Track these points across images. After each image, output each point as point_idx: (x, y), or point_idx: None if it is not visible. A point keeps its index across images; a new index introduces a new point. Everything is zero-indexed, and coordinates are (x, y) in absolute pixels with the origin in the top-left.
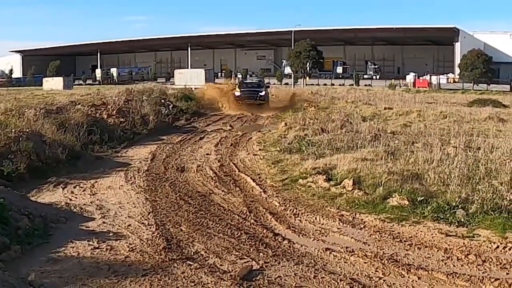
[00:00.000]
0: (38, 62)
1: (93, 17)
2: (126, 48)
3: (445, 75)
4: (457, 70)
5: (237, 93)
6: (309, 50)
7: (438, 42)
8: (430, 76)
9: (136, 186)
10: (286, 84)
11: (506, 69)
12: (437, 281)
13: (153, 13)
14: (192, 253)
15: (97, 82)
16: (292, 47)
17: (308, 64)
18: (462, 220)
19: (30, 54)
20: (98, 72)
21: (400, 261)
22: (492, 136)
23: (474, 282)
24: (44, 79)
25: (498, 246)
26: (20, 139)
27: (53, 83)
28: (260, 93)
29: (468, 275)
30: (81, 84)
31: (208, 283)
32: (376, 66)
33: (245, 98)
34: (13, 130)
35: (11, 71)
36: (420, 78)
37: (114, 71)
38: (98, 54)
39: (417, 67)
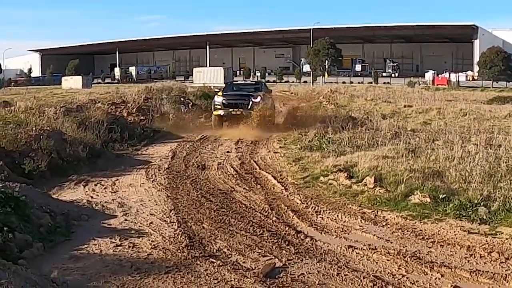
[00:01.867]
0: (56, 61)
1: (110, 17)
2: (144, 46)
3: (464, 72)
4: (476, 68)
5: (218, 99)
6: (328, 48)
7: (457, 39)
8: (449, 73)
9: (157, 183)
10: (305, 82)
11: None
12: (460, 278)
13: (170, 12)
14: (214, 251)
15: (116, 81)
16: (311, 45)
17: (327, 62)
18: (484, 217)
19: (48, 53)
20: (117, 70)
21: (423, 258)
22: None
23: (498, 280)
24: (63, 78)
25: None
26: (41, 137)
27: (72, 82)
28: (253, 99)
29: (492, 272)
30: (99, 83)
31: (231, 280)
32: (395, 64)
33: (229, 107)
34: (34, 128)
35: (30, 70)
36: (439, 75)
37: (132, 69)
38: (117, 53)
39: (435, 64)
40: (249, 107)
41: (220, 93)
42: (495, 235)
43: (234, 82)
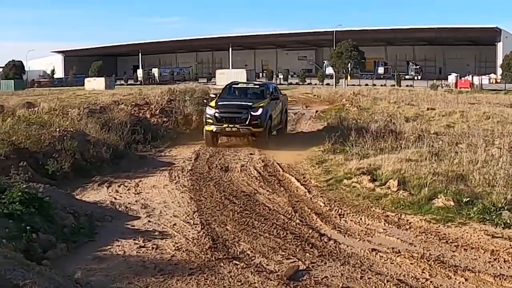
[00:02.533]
0: (79, 63)
1: (133, 19)
2: (167, 48)
3: (487, 75)
4: (499, 71)
5: (209, 111)
6: (351, 51)
7: (480, 42)
8: (472, 76)
9: (181, 185)
10: (328, 84)
11: None
12: (484, 283)
13: (192, 13)
14: (238, 253)
15: (138, 82)
16: (334, 47)
17: (349, 64)
18: (508, 221)
19: (71, 55)
20: (139, 72)
21: (446, 262)
22: None
23: None
24: (86, 79)
25: None
26: (65, 138)
27: (95, 83)
28: (253, 112)
29: None
30: (122, 84)
31: (254, 282)
32: (418, 67)
33: (222, 122)
34: (57, 129)
35: (53, 71)
36: (462, 78)
37: (155, 71)
38: (139, 54)
39: (458, 67)
40: (247, 122)
41: (213, 103)
42: None
43: (234, 85)
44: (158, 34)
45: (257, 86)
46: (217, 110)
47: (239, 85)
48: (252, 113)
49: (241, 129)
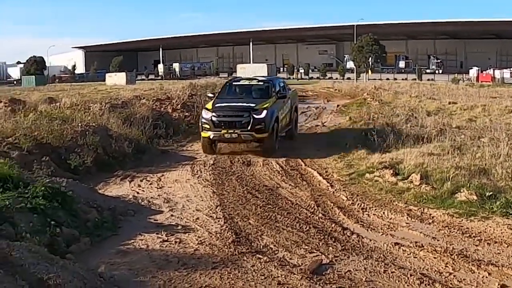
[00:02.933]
0: (100, 58)
1: (153, 14)
2: (187, 43)
3: (509, 69)
4: None
5: (205, 115)
6: (372, 45)
7: (502, 35)
8: (494, 70)
9: (203, 179)
10: (348, 78)
11: None
12: (507, 277)
13: (212, 8)
14: (261, 247)
15: (159, 77)
16: (355, 42)
17: (370, 58)
18: None
19: (92, 50)
20: (160, 67)
21: (470, 256)
22: None
23: None
24: (107, 75)
25: None
26: (87, 133)
27: (116, 79)
28: (256, 115)
29: None
30: (143, 79)
31: (278, 276)
32: (439, 61)
33: (220, 127)
34: (80, 124)
35: (74, 67)
36: (483, 72)
37: (176, 66)
38: (160, 49)
39: (480, 61)
40: (249, 127)
41: (209, 105)
42: None
43: (234, 83)
44: (179, 29)
45: (261, 83)
46: (214, 114)
47: (241, 82)
48: (254, 116)
49: (242, 135)
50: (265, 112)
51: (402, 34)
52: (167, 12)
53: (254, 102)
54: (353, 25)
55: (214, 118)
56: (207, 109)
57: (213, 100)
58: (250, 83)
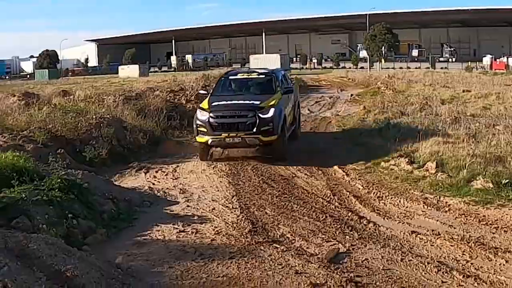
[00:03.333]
0: (112, 51)
1: (165, 6)
2: (200, 34)
3: None
4: None
5: (201, 116)
6: (385, 34)
7: None
8: (507, 58)
9: (218, 170)
10: (362, 68)
11: None
12: None
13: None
14: (278, 236)
15: (172, 69)
16: (367, 31)
17: (383, 47)
18: None
19: (104, 43)
20: (173, 59)
21: (487, 244)
22: None
23: None
24: (120, 67)
25: None
26: (101, 125)
27: (128, 71)
28: (262, 114)
29: None
30: (156, 71)
31: (295, 265)
32: (452, 49)
33: (220, 130)
34: (94, 116)
35: (86, 60)
36: (497, 60)
37: (189, 57)
38: (173, 41)
39: (493, 49)
40: (254, 129)
41: (205, 104)
42: None
43: (231, 76)
44: (191, 20)
45: (263, 76)
46: (211, 115)
47: (239, 76)
48: (261, 115)
49: (247, 139)
50: (272, 110)
51: (415, 22)
52: (179, 4)
53: (258, 99)
54: (366, 14)
55: (212, 120)
56: (202, 109)
57: (208, 98)
58: (250, 76)
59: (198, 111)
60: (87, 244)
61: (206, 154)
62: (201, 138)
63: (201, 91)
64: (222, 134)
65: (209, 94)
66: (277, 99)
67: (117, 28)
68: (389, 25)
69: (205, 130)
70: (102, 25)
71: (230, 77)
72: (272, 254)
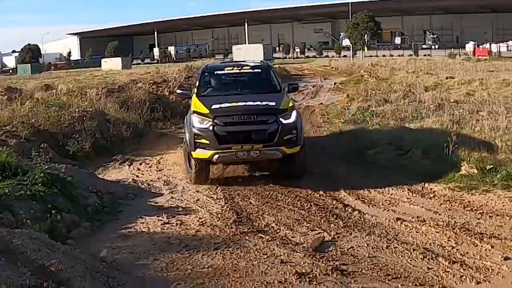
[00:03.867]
0: (95, 44)
1: None
2: (183, 26)
3: (505, 43)
4: None
5: (199, 123)
6: (367, 22)
7: (497, 9)
8: (490, 44)
9: None
10: (345, 56)
11: None
12: (510, 249)
13: None
14: (263, 226)
15: (155, 61)
16: (350, 19)
17: (366, 35)
18: None
19: (87, 36)
20: (156, 51)
21: (472, 230)
22: None
23: None
24: (103, 60)
25: None
26: (84, 118)
27: (111, 64)
28: (284, 119)
29: None
30: (139, 64)
31: (280, 255)
32: (435, 36)
33: (231, 141)
34: (77, 110)
35: (69, 53)
36: (480, 46)
37: (171, 49)
38: (155, 33)
39: (476, 35)
40: (275, 138)
41: (200, 106)
42: None
43: (218, 71)
44: (173, 11)
45: (258, 70)
46: (217, 121)
47: (227, 70)
48: (283, 121)
49: (267, 152)
50: (294, 114)
51: (397, 10)
52: None
53: (267, 99)
54: (348, 3)
55: (218, 128)
56: (199, 113)
57: (197, 99)
58: (242, 70)
59: (192, 117)
60: (72, 238)
61: (205, 175)
62: (201, 154)
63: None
64: (233, 147)
65: (195, 94)
66: (290, 99)
67: (99, 21)
68: (371, 13)
69: (208, 142)
70: (85, 19)
71: (217, 72)
72: (257, 244)
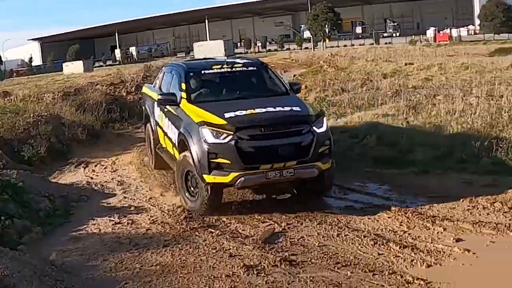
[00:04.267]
0: (57, 48)
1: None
2: (144, 26)
3: (466, 27)
4: (477, 21)
5: (213, 139)
6: (327, 12)
7: None
8: (450, 29)
9: None
10: (306, 48)
11: None
12: (463, 231)
13: None
14: (213, 220)
15: (117, 63)
16: (309, 11)
17: (326, 26)
18: (487, 169)
19: (48, 41)
20: (117, 52)
21: (424, 213)
22: None
23: (501, 230)
24: (64, 64)
25: None
26: (39, 123)
27: (73, 67)
28: (318, 128)
29: (495, 223)
30: (101, 66)
31: (229, 248)
32: (395, 24)
33: (258, 161)
34: (32, 115)
35: (30, 59)
36: (440, 32)
37: (133, 49)
38: (116, 34)
39: (436, 21)
40: (310, 153)
41: (208, 115)
42: (498, 186)
43: (205, 71)
44: (135, 12)
45: (253, 68)
46: (240, 134)
47: (215, 70)
48: (317, 130)
49: (302, 169)
50: (325, 121)
51: (357, 0)
52: None
53: (286, 103)
54: None
55: (243, 143)
56: (211, 124)
57: (189, 106)
58: (233, 69)
59: (201, 129)
60: (23, 243)
61: (219, 201)
62: (218, 177)
63: (160, 96)
64: (262, 166)
65: (185, 100)
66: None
67: (60, 26)
68: (330, 3)
69: (228, 161)
70: (45, 24)
71: (205, 72)
72: (207, 239)
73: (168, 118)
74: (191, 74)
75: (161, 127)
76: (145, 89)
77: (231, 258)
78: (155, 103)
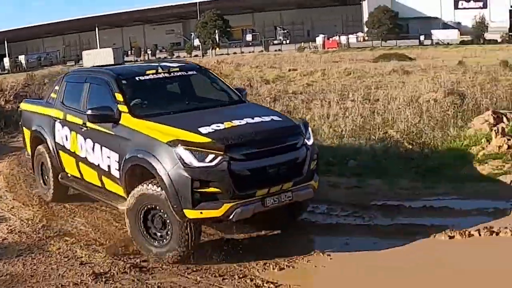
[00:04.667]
0: None
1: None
2: (33, 34)
3: (355, 34)
4: (366, 29)
5: (197, 163)
6: (215, 20)
7: (346, 2)
8: (339, 36)
9: (29, 168)
10: (196, 56)
11: (415, 24)
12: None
13: None
14: (71, 229)
15: (6, 71)
16: (199, 18)
17: (215, 34)
18: (354, 170)
19: None
20: (6, 61)
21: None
22: (394, 88)
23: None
24: None
25: None
26: None
27: None
28: (308, 140)
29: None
30: None
31: (81, 256)
32: (285, 31)
33: (257, 186)
34: None
35: None
36: (330, 39)
37: (22, 58)
38: (5, 42)
39: (326, 29)
40: (304, 170)
41: (186, 134)
42: (360, 186)
43: (136, 76)
44: (27, 20)
45: (193, 72)
46: (233, 154)
47: (151, 76)
48: (308, 142)
49: (299, 191)
50: (310, 130)
51: (248, 7)
52: (10, 4)
53: (260, 113)
54: (196, 2)
55: (237, 165)
56: (188, 143)
57: (143, 122)
58: (172, 74)
59: (176, 151)
60: None
61: (198, 241)
62: (207, 211)
63: (92, 112)
64: (258, 192)
65: (129, 114)
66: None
67: None
68: (220, 11)
69: (219, 189)
70: None
71: (140, 78)
72: (61, 247)
73: (91, 139)
74: (124, 82)
75: (70, 152)
76: (27, 106)
77: (81, 266)
78: (57, 121)
